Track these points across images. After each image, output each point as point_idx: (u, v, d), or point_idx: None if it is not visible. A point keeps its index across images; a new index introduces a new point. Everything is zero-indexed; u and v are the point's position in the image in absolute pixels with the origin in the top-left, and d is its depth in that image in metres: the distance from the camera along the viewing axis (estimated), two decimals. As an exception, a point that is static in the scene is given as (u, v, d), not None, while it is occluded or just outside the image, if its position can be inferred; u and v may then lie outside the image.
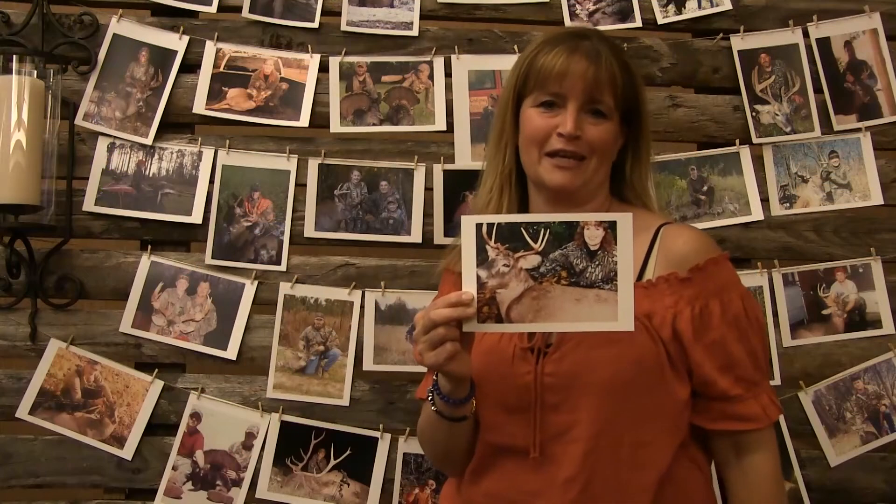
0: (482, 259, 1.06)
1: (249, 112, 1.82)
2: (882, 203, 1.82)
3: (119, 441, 1.71)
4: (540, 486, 1.14)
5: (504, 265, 1.06)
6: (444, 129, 1.83)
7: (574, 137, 1.18)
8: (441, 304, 1.06)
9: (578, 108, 1.19)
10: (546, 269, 1.06)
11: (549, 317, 1.06)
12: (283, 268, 1.78)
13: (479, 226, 1.06)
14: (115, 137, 1.79)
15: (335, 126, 1.82)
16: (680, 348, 1.15)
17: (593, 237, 1.05)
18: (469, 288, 1.06)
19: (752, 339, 1.18)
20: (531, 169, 1.23)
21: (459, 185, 1.80)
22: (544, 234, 1.05)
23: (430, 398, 1.18)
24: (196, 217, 1.78)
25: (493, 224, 1.06)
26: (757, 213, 1.82)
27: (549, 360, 1.15)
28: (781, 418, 1.72)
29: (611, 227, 1.05)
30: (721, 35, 1.87)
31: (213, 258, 1.78)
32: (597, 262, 1.05)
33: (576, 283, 1.05)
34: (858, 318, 1.79)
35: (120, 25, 1.81)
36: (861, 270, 1.80)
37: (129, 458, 1.71)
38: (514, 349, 1.17)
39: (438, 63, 1.85)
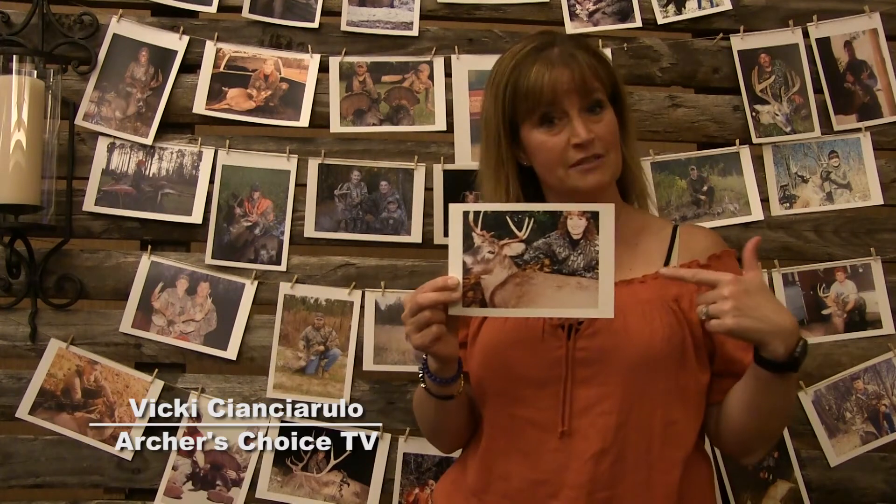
0: (468, 245, 1.10)
1: (249, 112, 1.82)
2: (882, 203, 1.82)
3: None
4: (566, 461, 1.16)
5: (489, 252, 1.10)
6: (444, 129, 1.83)
7: (590, 142, 1.20)
8: (427, 287, 1.11)
9: (578, 112, 1.20)
10: (529, 256, 1.10)
11: (532, 302, 1.10)
12: (283, 268, 1.78)
13: (465, 213, 1.10)
14: (115, 137, 1.79)
15: (335, 126, 1.82)
16: (704, 331, 1.17)
17: (576, 227, 1.09)
18: (455, 273, 1.10)
19: None
20: (559, 185, 1.23)
21: (459, 185, 1.80)
22: (528, 223, 1.09)
23: (420, 376, 1.22)
24: (196, 217, 1.78)
25: (479, 212, 1.10)
26: (757, 213, 1.82)
27: (582, 335, 1.17)
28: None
29: (593, 217, 1.08)
30: (721, 35, 1.87)
31: (213, 258, 1.78)
32: (579, 251, 1.09)
33: (558, 271, 1.09)
34: (858, 318, 1.79)
35: (120, 25, 1.81)
36: (861, 270, 1.80)
37: (129, 458, 1.71)
38: (543, 325, 1.20)
39: (438, 63, 1.85)
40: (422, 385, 1.23)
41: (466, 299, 1.10)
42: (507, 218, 1.09)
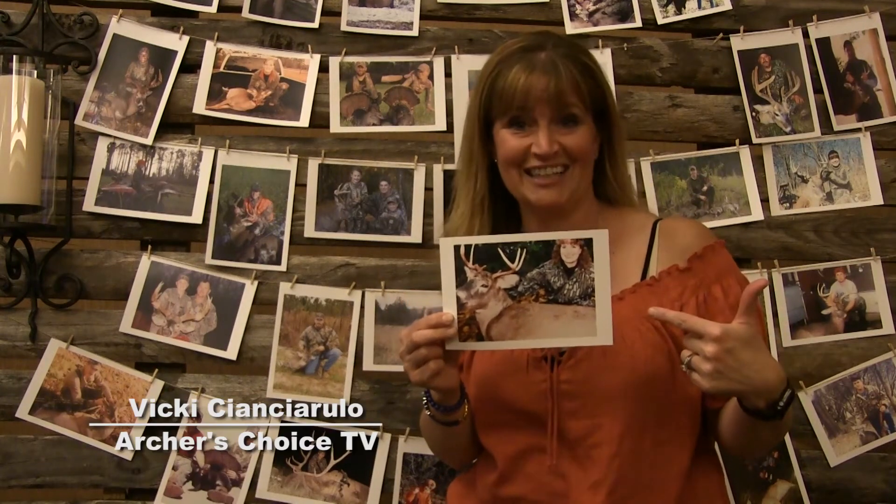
0: (461, 280, 1.09)
1: (249, 112, 1.82)
2: (882, 203, 1.82)
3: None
4: (566, 488, 1.16)
5: (482, 286, 1.08)
6: (444, 129, 1.83)
7: (552, 154, 1.18)
8: (422, 325, 1.10)
9: (548, 123, 1.19)
10: (524, 287, 1.08)
11: (529, 334, 1.08)
12: (283, 268, 1.78)
13: (457, 248, 1.08)
14: (115, 137, 1.79)
15: (335, 126, 1.82)
16: None
17: (570, 255, 1.07)
18: (449, 309, 1.09)
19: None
20: (515, 190, 1.24)
21: (459, 185, 1.80)
22: (521, 254, 1.08)
23: (424, 404, 1.21)
24: (196, 217, 1.78)
25: (470, 245, 1.08)
26: (757, 213, 1.82)
27: (564, 367, 1.16)
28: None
29: (587, 244, 1.06)
30: (721, 35, 1.87)
31: (213, 258, 1.78)
32: (574, 279, 1.07)
33: (554, 301, 1.08)
34: (858, 318, 1.79)
35: (120, 25, 1.81)
36: (861, 270, 1.80)
37: (129, 458, 1.71)
38: (527, 358, 1.18)
39: (438, 63, 1.85)
40: (427, 413, 1.22)
41: (462, 334, 1.09)
42: (499, 250, 1.08)
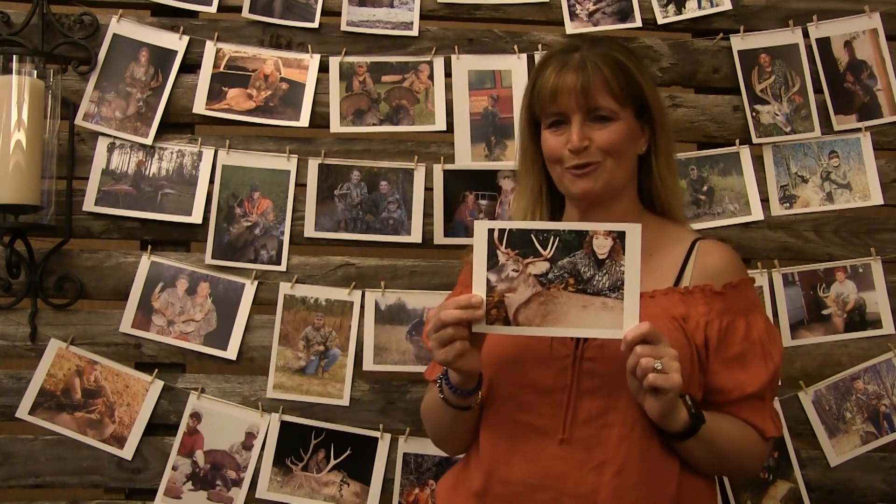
0: (493, 263, 1.10)
1: (249, 112, 1.82)
2: (882, 203, 1.82)
3: (119, 441, 1.71)
4: (567, 469, 1.16)
5: (513, 270, 1.10)
6: (444, 129, 1.83)
7: (582, 149, 1.21)
8: (451, 305, 1.11)
9: (581, 120, 1.22)
10: (554, 275, 1.09)
11: (556, 322, 1.10)
12: (283, 268, 1.78)
13: (490, 231, 1.10)
14: (115, 137, 1.79)
15: (335, 126, 1.82)
16: (706, 354, 1.19)
17: (602, 246, 1.08)
18: (479, 291, 1.10)
19: (775, 357, 1.23)
20: (559, 184, 1.27)
21: (459, 185, 1.80)
22: (553, 242, 1.09)
23: (438, 385, 1.22)
24: (196, 217, 1.78)
25: (504, 230, 1.10)
26: (757, 213, 1.82)
27: (590, 346, 1.17)
28: (781, 418, 1.71)
29: (619, 236, 1.08)
30: (721, 35, 1.87)
31: (213, 258, 1.78)
32: (604, 271, 1.08)
33: (583, 291, 1.09)
34: (858, 318, 1.79)
35: (120, 25, 1.81)
36: (861, 270, 1.80)
37: (129, 458, 1.71)
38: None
39: (438, 63, 1.85)
40: (440, 396, 1.22)
41: (490, 317, 1.10)
42: (532, 236, 1.09)
